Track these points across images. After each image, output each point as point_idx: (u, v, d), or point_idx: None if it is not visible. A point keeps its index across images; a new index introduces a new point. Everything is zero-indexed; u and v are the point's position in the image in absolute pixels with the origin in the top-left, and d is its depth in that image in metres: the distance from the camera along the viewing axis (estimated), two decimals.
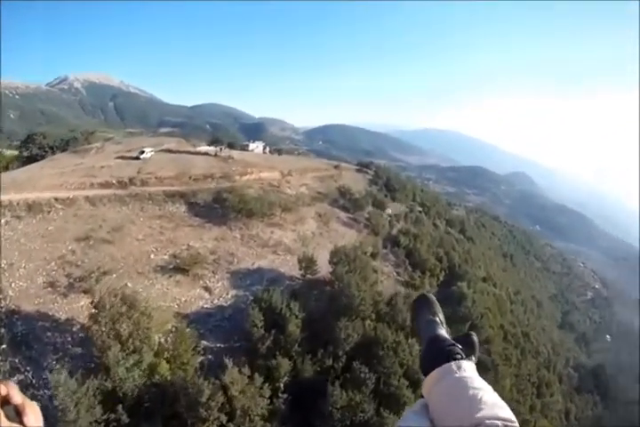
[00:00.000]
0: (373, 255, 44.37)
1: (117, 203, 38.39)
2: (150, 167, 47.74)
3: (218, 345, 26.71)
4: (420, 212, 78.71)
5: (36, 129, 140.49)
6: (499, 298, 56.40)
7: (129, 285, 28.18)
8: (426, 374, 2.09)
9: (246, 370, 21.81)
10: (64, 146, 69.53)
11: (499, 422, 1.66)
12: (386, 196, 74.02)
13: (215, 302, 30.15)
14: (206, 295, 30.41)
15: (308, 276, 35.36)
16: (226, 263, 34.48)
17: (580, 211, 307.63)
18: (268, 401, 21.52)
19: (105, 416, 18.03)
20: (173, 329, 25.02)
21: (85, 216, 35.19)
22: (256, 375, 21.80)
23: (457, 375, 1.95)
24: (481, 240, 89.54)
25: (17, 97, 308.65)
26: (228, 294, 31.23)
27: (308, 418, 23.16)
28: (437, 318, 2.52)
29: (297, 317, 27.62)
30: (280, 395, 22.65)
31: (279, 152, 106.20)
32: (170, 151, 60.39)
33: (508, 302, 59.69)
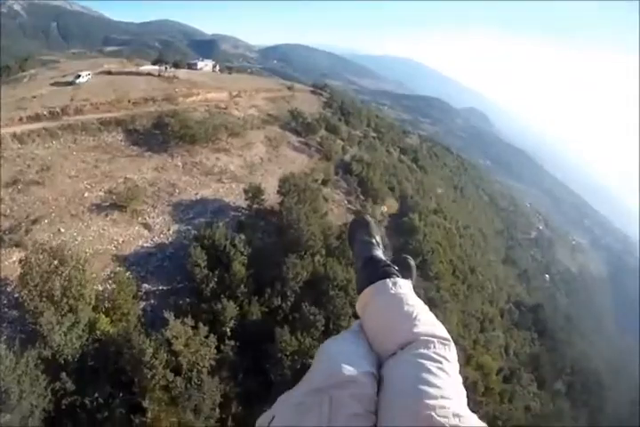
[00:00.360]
0: (324, 182, 42.39)
1: (48, 137, 33.87)
2: (85, 93, 42.73)
3: (160, 288, 24.56)
4: (374, 138, 75.96)
5: None
6: (448, 231, 55.95)
7: (62, 230, 25.23)
8: (359, 293, 2.05)
9: (190, 320, 19.78)
10: None
11: (434, 340, 1.67)
12: (340, 120, 71.00)
13: (155, 239, 27.55)
14: (146, 233, 27.74)
15: (255, 206, 32.93)
16: (166, 195, 31.50)
17: (531, 154, 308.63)
18: (216, 351, 19.82)
19: (49, 388, 16.10)
20: (112, 275, 22.63)
21: (13, 157, 30.73)
22: (200, 325, 19.89)
23: (392, 292, 1.91)
24: (433, 170, 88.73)
25: None
26: (169, 229, 28.61)
27: (257, 362, 21.66)
28: (374, 240, 2.37)
29: (242, 253, 25.43)
30: (227, 341, 20.93)
31: (230, 71, 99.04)
32: (109, 73, 54.73)
33: (457, 236, 59.09)
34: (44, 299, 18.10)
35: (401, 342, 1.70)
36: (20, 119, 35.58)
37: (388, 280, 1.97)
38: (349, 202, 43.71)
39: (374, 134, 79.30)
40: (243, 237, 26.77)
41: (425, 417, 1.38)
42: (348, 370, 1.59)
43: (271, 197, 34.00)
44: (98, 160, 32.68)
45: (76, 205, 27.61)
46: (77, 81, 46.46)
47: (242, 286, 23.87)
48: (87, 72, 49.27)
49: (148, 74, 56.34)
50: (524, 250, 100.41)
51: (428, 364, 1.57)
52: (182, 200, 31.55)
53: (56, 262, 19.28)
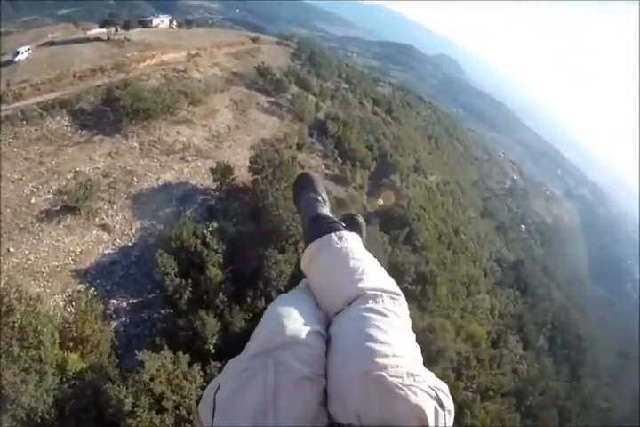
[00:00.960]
0: (299, 147, 39.18)
1: None
2: (25, 72, 36.75)
3: (130, 301, 21.25)
4: (345, 89, 72.53)
5: None
6: (429, 191, 54.02)
7: (11, 250, 21.02)
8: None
9: (167, 351, 16.68)
10: None
11: (383, 294, 1.54)
12: (309, 72, 66.73)
13: (117, 242, 23.65)
14: (105, 237, 23.71)
15: (226, 187, 29.08)
16: (124, 186, 26.97)
17: (505, 103, 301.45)
18: (201, 379, 16.80)
19: None
20: (75, 295, 18.80)
21: None
22: (180, 354, 16.77)
23: (337, 246, 1.76)
24: (407, 121, 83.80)
25: None
26: (131, 228, 24.66)
27: None
28: (320, 197, 2.22)
29: (216, 251, 22.06)
30: (212, 362, 17.75)
31: (189, 25, 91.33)
32: (52, 44, 48.26)
33: (438, 195, 57.13)
34: (3, 355, 14.76)
35: (347, 297, 1.54)
36: None
37: (332, 234, 1.79)
38: (327, 166, 40.49)
39: (346, 86, 75.73)
40: (215, 224, 24.14)
41: (375, 377, 1.23)
42: (292, 330, 1.42)
43: (242, 172, 30.20)
44: (43, 154, 27.58)
45: (23, 215, 23.14)
46: (16, 59, 40.24)
47: (220, 293, 20.74)
48: (26, 47, 42.79)
49: (97, 39, 49.80)
50: (500, 200, 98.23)
51: (376, 319, 1.42)
52: (143, 190, 27.17)
53: (4, 309, 15.62)
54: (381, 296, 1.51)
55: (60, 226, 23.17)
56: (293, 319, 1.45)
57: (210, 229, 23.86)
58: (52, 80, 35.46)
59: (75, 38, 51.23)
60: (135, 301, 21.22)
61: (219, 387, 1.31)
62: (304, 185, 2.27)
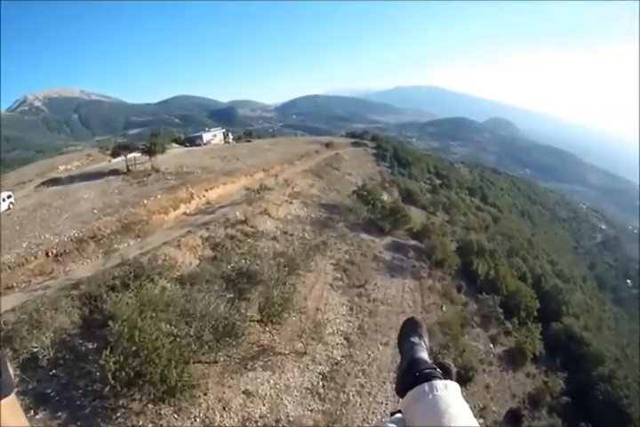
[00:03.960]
0: (462, 326, 25.38)
1: None
2: None
3: None
4: (441, 186, 67.15)
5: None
6: (590, 310, 44.45)
7: None
8: (399, 391, 1.80)
9: None
10: None
11: None
12: (402, 174, 62.20)
13: None
14: None
15: None
16: None
17: (567, 150, 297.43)
18: None
19: None
20: None
21: None
22: None
23: (443, 393, 1.71)
24: (500, 202, 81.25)
25: None
26: None
27: None
28: (423, 342, 2.15)
29: None
30: None
31: (248, 137, 78.95)
32: (56, 182, 34.93)
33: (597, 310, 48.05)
34: None
35: None
36: None
37: (439, 381, 1.74)
38: (494, 341, 26.24)
39: (439, 181, 71.70)
40: None
41: None
42: None
43: None
44: None
45: None
46: None
47: None
48: (7, 193, 29.25)
49: (113, 171, 35.78)
50: (600, 261, 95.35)
51: None
52: None
53: None
54: None
55: None
56: None
57: None
58: (11, 265, 18.85)
59: (85, 173, 38.03)
60: None
61: None
62: (411, 329, 2.19)
